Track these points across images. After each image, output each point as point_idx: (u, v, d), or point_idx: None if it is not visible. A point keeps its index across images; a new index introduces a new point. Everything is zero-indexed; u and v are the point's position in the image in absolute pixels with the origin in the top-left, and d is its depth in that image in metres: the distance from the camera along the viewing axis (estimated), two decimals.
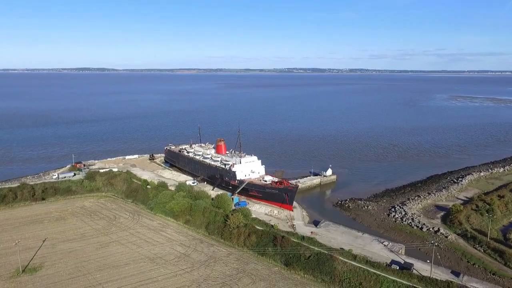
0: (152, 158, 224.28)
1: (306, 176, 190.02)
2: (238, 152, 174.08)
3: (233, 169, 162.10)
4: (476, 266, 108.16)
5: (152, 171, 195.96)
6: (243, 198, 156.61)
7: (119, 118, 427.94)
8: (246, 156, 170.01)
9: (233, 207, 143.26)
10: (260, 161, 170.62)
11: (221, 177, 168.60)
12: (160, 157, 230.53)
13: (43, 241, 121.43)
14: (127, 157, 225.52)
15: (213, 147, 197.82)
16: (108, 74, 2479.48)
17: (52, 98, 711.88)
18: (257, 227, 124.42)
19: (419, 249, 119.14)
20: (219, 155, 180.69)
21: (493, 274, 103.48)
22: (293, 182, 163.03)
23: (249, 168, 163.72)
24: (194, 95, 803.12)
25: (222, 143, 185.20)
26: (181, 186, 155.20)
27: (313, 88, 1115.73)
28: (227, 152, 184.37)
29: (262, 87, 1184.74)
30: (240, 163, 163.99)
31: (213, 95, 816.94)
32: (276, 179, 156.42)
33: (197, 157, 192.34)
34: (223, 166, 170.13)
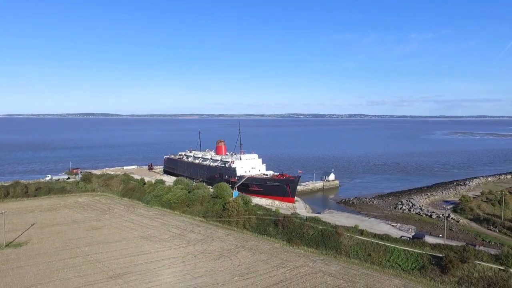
0: (150, 168, 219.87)
1: (308, 181, 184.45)
2: (238, 153, 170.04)
3: (233, 166, 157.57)
4: (492, 243, 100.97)
5: (150, 177, 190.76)
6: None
7: (120, 146, 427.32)
8: (247, 154, 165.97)
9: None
10: (260, 159, 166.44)
11: (221, 176, 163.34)
12: (159, 168, 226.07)
13: (32, 225, 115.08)
14: (125, 167, 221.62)
15: (213, 152, 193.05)
16: (112, 119, 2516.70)
17: (55, 132, 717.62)
18: (258, 212, 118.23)
19: (430, 233, 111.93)
20: (218, 155, 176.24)
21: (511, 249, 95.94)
22: None
23: (249, 165, 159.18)
24: (197, 131, 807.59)
25: (222, 144, 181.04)
26: (178, 181, 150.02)
27: (314, 127, 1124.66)
28: (227, 153, 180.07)
29: (264, 126, 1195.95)
30: (241, 159, 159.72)
31: (216, 131, 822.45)
32: (277, 173, 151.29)
33: (197, 160, 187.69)
34: (223, 165, 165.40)
